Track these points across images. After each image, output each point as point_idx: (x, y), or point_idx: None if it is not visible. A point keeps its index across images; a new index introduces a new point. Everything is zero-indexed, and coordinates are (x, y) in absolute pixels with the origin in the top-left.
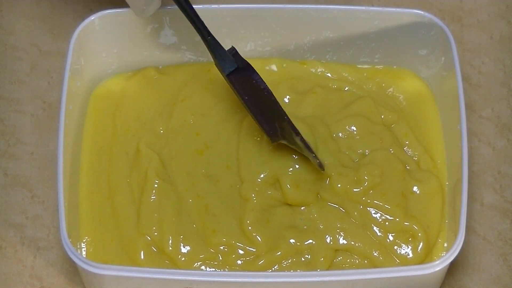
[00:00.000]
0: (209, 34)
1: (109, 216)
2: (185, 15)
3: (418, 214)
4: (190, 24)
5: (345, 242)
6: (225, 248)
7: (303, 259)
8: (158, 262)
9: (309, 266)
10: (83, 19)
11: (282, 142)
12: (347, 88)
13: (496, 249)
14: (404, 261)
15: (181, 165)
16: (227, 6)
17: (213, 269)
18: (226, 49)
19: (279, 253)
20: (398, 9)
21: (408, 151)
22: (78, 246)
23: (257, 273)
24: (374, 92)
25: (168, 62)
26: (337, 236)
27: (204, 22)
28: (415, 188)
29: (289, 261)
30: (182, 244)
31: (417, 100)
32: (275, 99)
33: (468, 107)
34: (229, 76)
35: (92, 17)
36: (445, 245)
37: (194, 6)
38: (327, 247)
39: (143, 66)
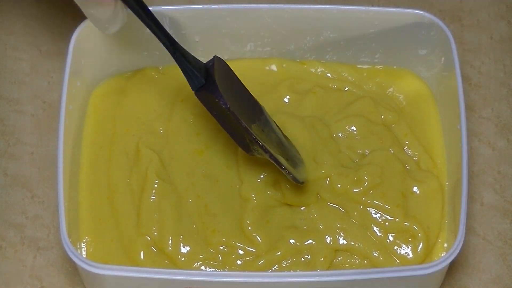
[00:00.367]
0: (175, 49)
1: (109, 216)
2: (150, 30)
3: (418, 214)
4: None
5: (345, 242)
6: (225, 248)
7: (303, 259)
8: (158, 262)
9: (309, 266)
10: (83, 19)
11: (257, 156)
12: (347, 88)
13: (496, 249)
14: (404, 261)
15: (181, 165)
16: (227, 6)
17: (213, 269)
18: (210, 58)
19: (279, 253)
20: (398, 9)
21: (408, 151)
22: (78, 246)
23: (257, 273)
24: (374, 92)
25: (168, 62)
26: (337, 236)
27: (204, 22)
28: (415, 188)
29: (289, 261)
30: (182, 244)
31: (417, 100)
32: (239, 119)
33: (468, 107)
34: (196, 93)
35: None
36: (445, 245)
37: (194, 6)
38: (327, 247)
39: (143, 66)
